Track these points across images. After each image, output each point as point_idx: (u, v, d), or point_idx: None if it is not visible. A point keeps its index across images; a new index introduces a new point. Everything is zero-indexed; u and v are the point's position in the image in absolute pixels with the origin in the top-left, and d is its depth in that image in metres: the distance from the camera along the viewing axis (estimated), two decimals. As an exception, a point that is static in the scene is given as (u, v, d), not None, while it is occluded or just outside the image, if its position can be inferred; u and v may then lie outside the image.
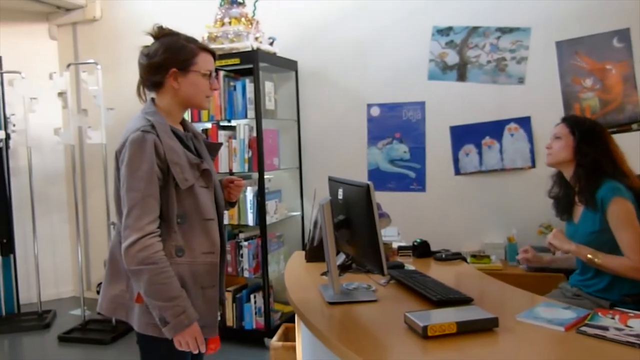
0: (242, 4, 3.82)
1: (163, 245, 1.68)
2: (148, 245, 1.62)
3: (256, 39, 3.76)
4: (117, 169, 1.72)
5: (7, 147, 4.59)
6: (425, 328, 1.52)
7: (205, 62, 1.82)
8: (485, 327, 1.58)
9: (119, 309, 1.77)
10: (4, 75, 4.57)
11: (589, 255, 2.20)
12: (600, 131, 2.37)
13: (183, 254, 1.72)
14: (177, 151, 1.72)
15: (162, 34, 1.81)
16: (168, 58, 1.77)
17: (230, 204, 2.10)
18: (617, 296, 2.23)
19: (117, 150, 1.72)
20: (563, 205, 2.50)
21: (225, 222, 3.80)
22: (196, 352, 1.70)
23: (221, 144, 2.14)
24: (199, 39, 3.85)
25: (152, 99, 1.84)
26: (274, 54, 3.94)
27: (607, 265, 2.17)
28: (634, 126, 3.41)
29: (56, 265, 5.20)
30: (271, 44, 3.93)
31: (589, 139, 2.32)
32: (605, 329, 1.54)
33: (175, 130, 1.81)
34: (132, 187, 1.65)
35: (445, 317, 1.59)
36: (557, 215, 2.56)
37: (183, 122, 1.93)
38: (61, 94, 4.34)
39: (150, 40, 1.83)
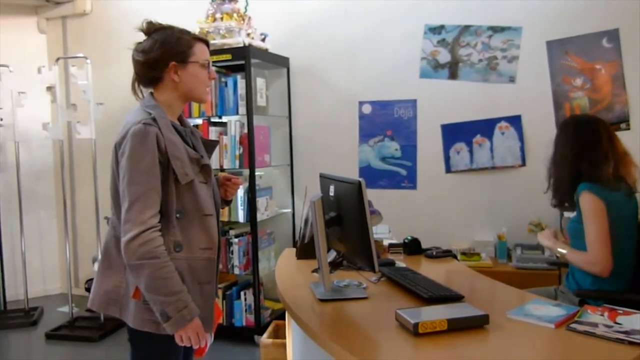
0: (234, 0, 3.80)
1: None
2: (150, 239, 1.60)
3: (248, 35, 3.74)
4: (117, 162, 1.69)
5: (-5, 141, 4.54)
6: (416, 325, 1.52)
7: (202, 52, 1.81)
8: (475, 324, 1.59)
9: (112, 304, 1.75)
10: (-8, 69, 4.51)
11: (559, 249, 2.38)
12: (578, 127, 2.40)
13: (181, 249, 1.70)
14: (177, 145, 1.71)
15: (153, 29, 1.79)
16: (166, 52, 1.75)
17: (226, 202, 2.08)
18: (576, 287, 2.35)
19: (117, 143, 1.69)
20: (562, 196, 2.49)
21: (219, 221, 3.80)
22: (197, 347, 1.69)
23: (217, 141, 2.12)
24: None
25: (151, 93, 1.82)
26: (266, 50, 3.93)
27: (571, 260, 2.32)
28: (623, 125, 3.44)
29: (44, 261, 5.15)
30: (263, 40, 3.92)
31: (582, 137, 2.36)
32: (595, 325, 1.55)
33: (175, 125, 1.79)
34: (134, 180, 1.62)
35: (436, 314, 1.59)
36: (557, 205, 2.55)
37: (180, 119, 1.91)
38: (50, 89, 4.30)
39: (141, 37, 1.81)
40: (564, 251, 2.36)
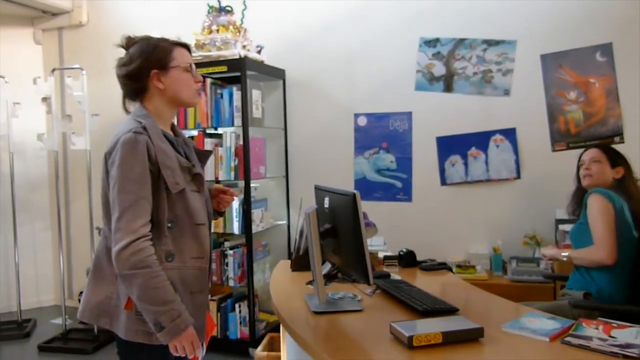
0: (230, 12, 3.82)
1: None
2: (141, 248, 1.59)
3: (244, 47, 3.75)
4: (107, 171, 1.69)
5: (-11, 152, 4.53)
6: (410, 338, 1.52)
7: (182, 56, 1.81)
8: (470, 337, 1.58)
9: (103, 316, 1.73)
10: (-13, 79, 4.51)
11: (563, 253, 2.55)
12: (625, 158, 2.65)
13: (173, 258, 1.70)
14: (168, 154, 1.70)
15: (132, 43, 1.81)
16: (145, 61, 1.76)
17: (218, 214, 2.08)
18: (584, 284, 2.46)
19: (107, 152, 1.68)
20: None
21: (211, 230, 3.78)
22: (192, 356, 1.68)
23: (211, 151, 2.11)
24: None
25: (141, 104, 1.82)
26: (262, 62, 3.94)
27: (576, 256, 2.48)
28: (616, 139, 3.46)
29: (37, 273, 5.12)
30: (259, 52, 3.93)
31: (620, 164, 2.61)
32: (589, 339, 1.54)
33: (166, 134, 1.78)
34: (124, 189, 1.61)
35: (431, 327, 1.59)
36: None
37: (173, 128, 1.91)
38: (45, 99, 4.30)
39: (122, 53, 1.82)
40: (566, 253, 2.51)
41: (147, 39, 1.81)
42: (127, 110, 1.85)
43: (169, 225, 1.69)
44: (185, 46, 1.85)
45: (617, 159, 2.61)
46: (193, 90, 1.83)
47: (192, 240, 1.73)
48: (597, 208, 2.42)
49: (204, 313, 1.78)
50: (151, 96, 1.79)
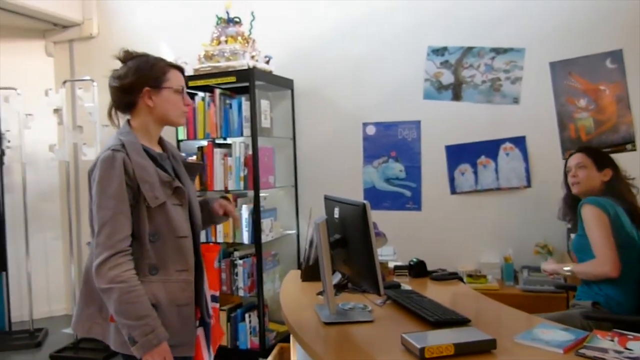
0: (239, 23, 3.84)
1: (137, 264, 1.69)
2: (118, 263, 1.63)
3: (252, 57, 3.77)
4: (90, 188, 1.75)
5: (2, 163, 4.56)
6: (422, 350, 1.51)
7: (176, 79, 1.86)
8: (483, 349, 1.56)
9: (95, 327, 1.79)
10: (0, 91, 4.56)
11: (565, 268, 2.50)
12: (610, 158, 2.63)
13: (157, 272, 1.73)
14: (147, 169, 1.74)
15: (130, 57, 1.86)
16: (140, 77, 1.81)
17: (213, 222, 2.14)
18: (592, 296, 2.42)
19: (89, 170, 1.76)
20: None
21: (220, 240, 3.80)
22: None
23: (201, 164, 2.16)
24: (195, 56, 3.89)
25: (128, 120, 1.87)
26: (270, 72, 3.96)
27: (579, 271, 2.44)
28: (628, 146, 3.43)
29: (49, 282, 5.14)
30: (267, 62, 3.95)
31: (607, 165, 2.57)
32: (605, 351, 1.52)
33: (148, 149, 1.82)
34: (102, 205, 1.67)
35: (443, 338, 1.57)
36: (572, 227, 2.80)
37: (162, 143, 1.96)
38: (57, 111, 4.34)
39: (118, 64, 1.88)
40: (569, 267, 2.47)
41: (146, 57, 1.87)
42: (111, 120, 1.92)
43: (152, 238, 1.73)
44: (180, 69, 1.91)
45: (603, 161, 2.57)
46: (180, 112, 1.89)
47: (175, 253, 1.77)
48: (591, 220, 2.39)
49: (192, 326, 1.80)
50: (139, 112, 1.85)
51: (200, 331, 2.00)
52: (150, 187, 1.71)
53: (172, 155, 1.94)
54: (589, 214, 2.40)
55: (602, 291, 2.38)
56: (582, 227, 2.45)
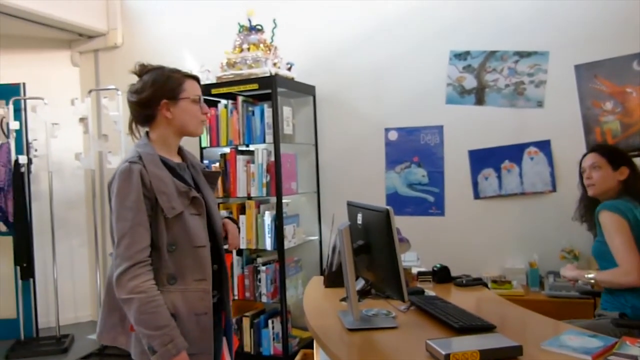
0: (261, 30, 3.87)
1: (156, 274, 1.71)
2: (138, 274, 1.66)
3: (274, 64, 3.80)
4: (110, 200, 1.77)
5: (29, 171, 4.66)
6: (447, 356, 1.49)
7: (192, 89, 1.88)
8: (508, 356, 1.54)
9: (119, 336, 1.81)
10: (27, 101, 4.66)
11: (586, 276, 2.41)
12: (626, 154, 2.54)
13: (175, 281, 1.75)
14: (164, 180, 1.75)
15: (145, 71, 1.89)
16: (157, 90, 1.83)
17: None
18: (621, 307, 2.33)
19: (109, 183, 1.78)
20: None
21: (243, 246, 3.81)
22: None
23: (219, 172, 2.16)
24: (218, 64, 3.93)
25: (147, 132, 1.90)
26: (292, 79, 3.97)
27: (602, 279, 2.35)
28: (656, 149, 3.36)
29: (75, 289, 5.22)
30: (289, 69, 3.97)
31: (623, 163, 2.48)
32: (635, 358, 1.49)
33: (166, 160, 1.85)
34: (121, 217, 1.70)
35: (468, 345, 1.56)
36: (589, 229, 2.71)
37: (182, 153, 1.98)
38: (82, 120, 4.42)
39: (135, 79, 1.91)
40: (592, 275, 2.38)
41: (161, 69, 1.89)
42: (133, 134, 1.94)
43: (170, 248, 1.75)
44: (196, 78, 1.93)
45: (618, 160, 2.48)
46: (198, 122, 1.91)
47: (193, 262, 1.78)
48: (611, 227, 2.30)
49: (210, 335, 1.80)
50: (158, 124, 1.87)
51: (224, 339, 2.02)
52: (167, 198, 1.73)
53: (191, 165, 1.97)
54: (608, 220, 2.32)
55: (628, 302, 2.30)
56: (602, 233, 2.38)
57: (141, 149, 1.81)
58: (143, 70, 1.90)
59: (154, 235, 1.73)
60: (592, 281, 2.39)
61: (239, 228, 2.11)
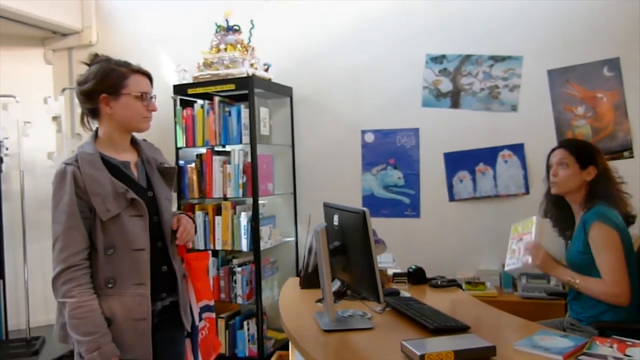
0: (238, 31, 3.85)
1: (94, 277, 1.69)
2: (70, 278, 1.65)
3: (251, 65, 3.78)
4: None
5: (0, 170, 4.56)
6: (422, 357, 1.50)
7: (137, 84, 1.82)
8: (482, 356, 1.56)
9: (69, 337, 1.75)
10: (-2, 99, 4.56)
11: (569, 278, 2.24)
12: (598, 153, 2.42)
13: (114, 285, 1.71)
14: (99, 181, 1.71)
15: (95, 61, 1.84)
16: (96, 84, 1.79)
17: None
18: (591, 317, 2.25)
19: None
20: (565, 225, 2.53)
21: (219, 247, 3.79)
22: None
23: (174, 168, 2.02)
24: (195, 64, 3.88)
25: (97, 128, 1.86)
26: (269, 80, 3.97)
27: (585, 287, 2.20)
28: (626, 154, 3.44)
29: (46, 290, 5.11)
30: (266, 70, 3.96)
31: (591, 163, 2.35)
32: (604, 358, 1.52)
33: (109, 159, 1.80)
34: (55, 220, 1.70)
35: (443, 345, 1.57)
36: (560, 234, 2.59)
37: (138, 148, 1.92)
38: (55, 118, 4.35)
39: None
40: (577, 280, 2.21)
41: (107, 61, 1.83)
42: (84, 126, 1.89)
43: (107, 251, 1.71)
44: (146, 74, 1.87)
45: (587, 159, 2.34)
46: (141, 118, 1.84)
47: (132, 266, 1.73)
48: (604, 241, 2.18)
49: (147, 341, 1.75)
50: (102, 119, 1.83)
51: (187, 342, 1.98)
52: (101, 200, 1.69)
53: (146, 161, 1.91)
54: (602, 234, 2.18)
55: (610, 314, 2.20)
56: (584, 244, 2.25)
57: (81, 148, 1.77)
58: (93, 60, 1.85)
59: (91, 237, 1.70)
60: (576, 285, 2.23)
61: (195, 224, 2.02)
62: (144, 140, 2.00)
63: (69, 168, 1.69)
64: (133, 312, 1.71)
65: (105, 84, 1.78)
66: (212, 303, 2.08)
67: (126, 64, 1.84)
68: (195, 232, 1.99)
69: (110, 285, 1.70)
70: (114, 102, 1.79)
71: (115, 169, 1.79)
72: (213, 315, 2.10)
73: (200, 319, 2.02)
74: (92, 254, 1.70)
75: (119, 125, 1.83)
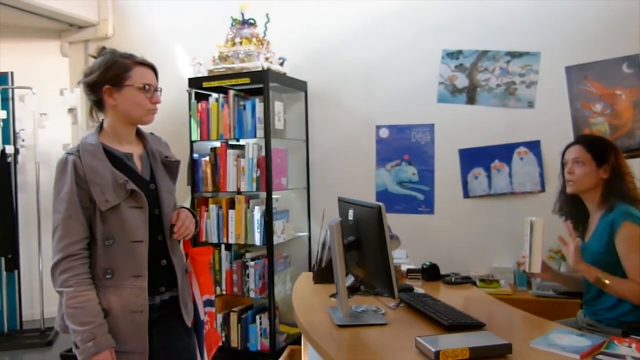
0: (253, 25, 3.85)
1: (92, 267, 1.69)
2: (68, 267, 1.64)
3: (266, 59, 3.78)
4: None
5: (16, 162, 4.61)
6: (437, 353, 1.49)
7: (140, 76, 1.82)
8: (498, 354, 1.55)
9: (67, 327, 1.75)
10: (15, 90, 4.60)
11: (599, 275, 2.12)
12: (615, 150, 2.35)
13: (112, 275, 1.71)
14: (99, 171, 1.71)
15: (101, 54, 1.85)
16: (100, 75, 1.80)
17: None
18: (620, 320, 2.18)
19: None
20: (576, 222, 2.45)
21: (232, 241, 3.79)
22: None
23: (179, 161, 2.00)
24: (210, 57, 3.89)
25: (102, 120, 1.87)
26: (284, 74, 3.96)
27: (615, 288, 2.10)
28: (644, 152, 3.40)
29: (60, 281, 5.16)
30: (281, 64, 3.95)
31: (608, 160, 2.29)
32: (622, 357, 1.50)
33: (112, 150, 1.80)
34: (55, 209, 1.69)
35: (458, 342, 1.56)
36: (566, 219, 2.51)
37: (143, 140, 1.93)
38: (71, 110, 4.38)
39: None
40: (607, 281, 2.11)
41: (111, 53, 1.84)
42: (92, 118, 1.91)
43: (107, 242, 1.71)
44: (150, 66, 1.87)
45: (604, 156, 2.28)
46: (145, 110, 1.84)
47: (130, 258, 1.73)
48: (634, 238, 2.11)
49: (144, 334, 1.74)
50: (107, 111, 1.84)
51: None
52: (101, 190, 1.69)
53: (151, 153, 1.90)
54: (634, 234, 2.11)
55: (636, 310, 2.14)
56: (608, 244, 2.18)
57: (85, 139, 1.78)
58: (99, 53, 1.86)
59: (92, 228, 1.71)
60: (605, 285, 2.12)
61: (196, 218, 1.99)
62: (152, 133, 2.01)
63: (70, 157, 1.71)
64: (130, 304, 1.71)
65: (108, 75, 1.79)
66: (213, 297, 2.08)
67: (130, 56, 1.84)
68: (196, 227, 1.96)
69: (108, 276, 1.70)
70: (117, 94, 1.80)
71: (118, 160, 1.79)
72: (214, 309, 2.10)
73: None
74: (91, 245, 1.71)
75: (122, 117, 1.83)
